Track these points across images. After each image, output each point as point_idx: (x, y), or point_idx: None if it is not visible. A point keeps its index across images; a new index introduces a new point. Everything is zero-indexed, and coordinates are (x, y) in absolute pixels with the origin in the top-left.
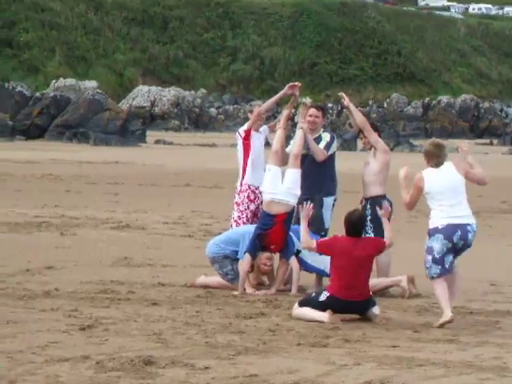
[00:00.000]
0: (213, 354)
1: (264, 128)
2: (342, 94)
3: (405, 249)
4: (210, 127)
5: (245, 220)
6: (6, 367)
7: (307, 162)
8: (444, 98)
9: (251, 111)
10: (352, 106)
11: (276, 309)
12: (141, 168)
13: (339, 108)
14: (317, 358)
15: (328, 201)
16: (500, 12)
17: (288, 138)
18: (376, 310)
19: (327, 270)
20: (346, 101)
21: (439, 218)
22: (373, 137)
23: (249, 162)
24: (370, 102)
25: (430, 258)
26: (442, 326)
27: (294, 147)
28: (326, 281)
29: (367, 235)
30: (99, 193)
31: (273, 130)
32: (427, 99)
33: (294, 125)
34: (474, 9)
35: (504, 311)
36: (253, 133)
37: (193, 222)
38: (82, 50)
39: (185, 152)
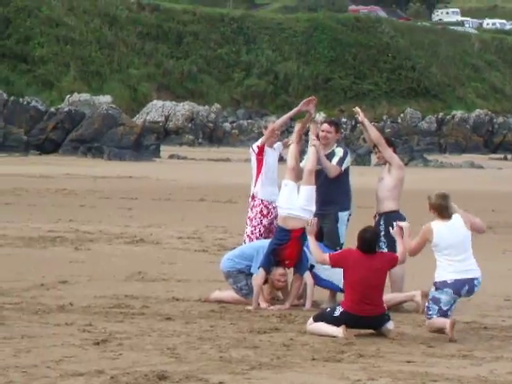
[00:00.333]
0: (227, 368)
1: (278, 144)
2: (356, 108)
3: (419, 264)
4: (224, 142)
5: (258, 235)
6: (20, 382)
7: (322, 177)
8: (458, 113)
9: (266, 127)
10: (367, 121)
11: (290, 324)
12: (155, 183)
13: (353, 123)
14: (331, 373)
15: (343, 216)
16: None
17: (302, 153)
18: (390, 325)
19: (341, 285)
20: (361, 116)
21: (447, 272)
22: (387, 152)
23: (261, 177)
24: (384, 117)
25: (435, 307)
26: (453, 336)
27: (307, 164)
28: (340, 296)
29: (381, 250)
30: (113, 207)
31: (286, 145)
32: (441, 114)
33: (308, 140)
34: (488, 24)
35: None
36: (266, 148)
37: (207, 237)
38: (96, 65)
39: (199, 167)
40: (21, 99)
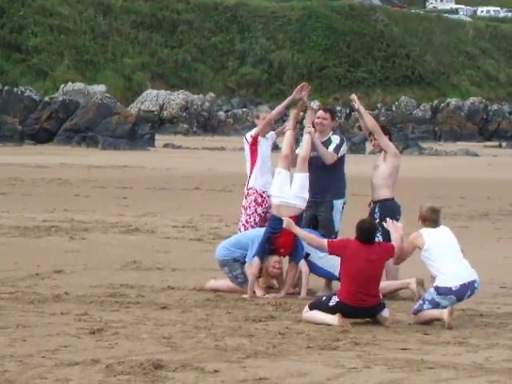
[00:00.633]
0: (222, 357)
1: (271, 133)
2: (353, 96)
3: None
4: (219, 131)
5: (253, 223)
6: (16, 371)
7: (316, 164)
8: (453, 101)
9: (257, 117)
10: (362, 109)
11: (285, 312)
12: (150, 172)
13: (348, 111)
14: (326, 361)
15: (337, 203)
16: (508, 14)
17: (297, 141)
18: (385, 313)
19: (336, 273)
20: (357, 103)
21: (451, 277)
22: (383, 140)
23: (255, 166)
24: (379, 105)
25: (430, 307)
26: (450, 323)
27: (302, 151)
28: (335, 284)
29: (376, 238)
30: (108, 197)
31: (280, 134)
32: (436, 102)
33: (303, 128)
34: (482, 11)
35: None
36: (260, 138)
37: (202, 226)
38: (90, 55)
39: (194, 156)
40: (15, 89)
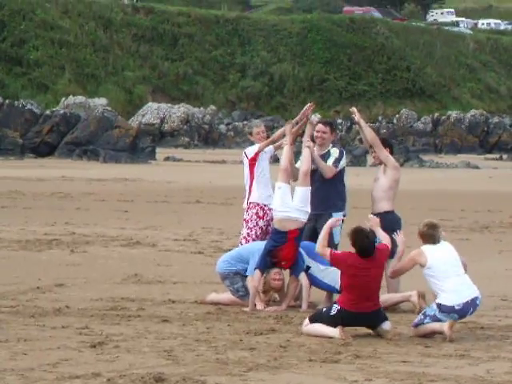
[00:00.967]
0: (224, 370)
1: (269, 147)
2: (353, 109)
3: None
4: (220, 144)
5: (254, 237)
6: None
7: (316, 177)
8: (453, 114)
9: (250, 133)
10: (362, 122)
11: (287, 325)
12: (151, 185)
13: (349, 124)
14: (328, 374)
15: (337, 216)
16: (509, 27)
17: (296, 154)
18: (387, 325)
19: (337, 286)
20: (357, 116)
21: (454, 295)
22: (383, 153)
23: (255, 180)
24: (380, 118)
25: (429, 321)
26: (451, 336)
27: (302, 165)
28: (336, 297)
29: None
30: (109, 210)
31: (278, 148)
32: (436, 115)
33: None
34: (482, 24)
35: None
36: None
37: (203, 239)
38: (91, 68)
39: (194, 169)
40: (16, 102)
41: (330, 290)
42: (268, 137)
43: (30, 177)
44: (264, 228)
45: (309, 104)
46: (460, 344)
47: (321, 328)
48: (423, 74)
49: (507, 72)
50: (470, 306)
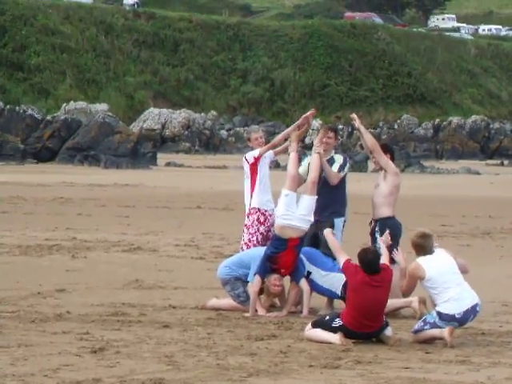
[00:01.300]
0: (224, 376)
1: (269, 152)
2: (353, 115)
3: None
4: (221, 149)
5: (255, 242)
6: None
7: (318, 183)
8: (454, 119)
9: (249, 139)
10: (362, 128)
11: (287, 331)
12: (152, 190)
13: (350, 129)
14: (328, 380)
15: (338, 222)
16: (510, 33)
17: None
18: (388, 331)
19: (338, 291)
20: (357, 122)
21: (454, 304)
22: (383, 159)
23: (256, 186)
24: (381, 124)
25: (428, 328)
26: (451, 342)
27: (311, 173)
28: (337, 303)
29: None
30: (110, 215)
31: (278, 153)
32: (438, 120)
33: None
34: (483, 30)
35: None
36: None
37: (204, 244)
38: (92, 73)
39: (195, 174)
40: (17, 107)
41: (330, 295)
42: (267, 142)
43: (31, 182)
44: (265, 234)
45: (310, 111)
46: (461, 350)
47: (322, 333)
48: (424, 80)
49: (508, 77)
50: (471, 314)
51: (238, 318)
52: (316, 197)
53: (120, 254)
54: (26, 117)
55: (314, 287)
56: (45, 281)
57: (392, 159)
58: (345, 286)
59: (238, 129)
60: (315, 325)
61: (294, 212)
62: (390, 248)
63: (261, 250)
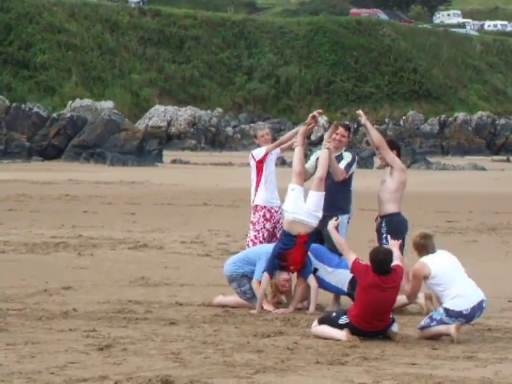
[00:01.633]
0: (231, 373)
1: (276, 149)
2: (359, 111)
3: None
4: (227, 146)
5: (261, 239)
6: None
7: (325, 179)
8: (460, 115)
9: (255, 136)
10: (369, 124)
11: (294, 327)
12: (157, 188)
13: (355, 126)
14: (335, 376)
15: (343, 219)
16: None
17: (305, 155)
18: (395, 328)
19: (344, 288)
20: (363, 119)
21: (461, 301)
22: (389, 155)
23: (262, 182)
24: (387, 120)
25: (435, 324)
26: (458, 338)
27: (319, 170)
28: (343, 299)
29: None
30: (116, 213)
31: (285, 150)
32: (443, 116)
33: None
34: (489, 26)
35: None
36: None
37: (210, 241)
38: (98, 71)
39: (201, 171)
40: (23, 105)
41: (337, 291)
42: (274, 139)
43: (37, 180)
44: (271, 230)
45: (316, 111)
46: (467, 346)
47: (329, 330)
48: (430, 76)
49: None
50: (477, 310)
51: (244, 314)
52: (323, 193)
53: (126, 252)
54: (32, 114)
55: (321, 284)
56: (51, 278)
57: (398, 155)
58: (351, 282)
59: (243, 126)
60: (322, 321)
61: (302, 206)
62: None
63: (267, 247)
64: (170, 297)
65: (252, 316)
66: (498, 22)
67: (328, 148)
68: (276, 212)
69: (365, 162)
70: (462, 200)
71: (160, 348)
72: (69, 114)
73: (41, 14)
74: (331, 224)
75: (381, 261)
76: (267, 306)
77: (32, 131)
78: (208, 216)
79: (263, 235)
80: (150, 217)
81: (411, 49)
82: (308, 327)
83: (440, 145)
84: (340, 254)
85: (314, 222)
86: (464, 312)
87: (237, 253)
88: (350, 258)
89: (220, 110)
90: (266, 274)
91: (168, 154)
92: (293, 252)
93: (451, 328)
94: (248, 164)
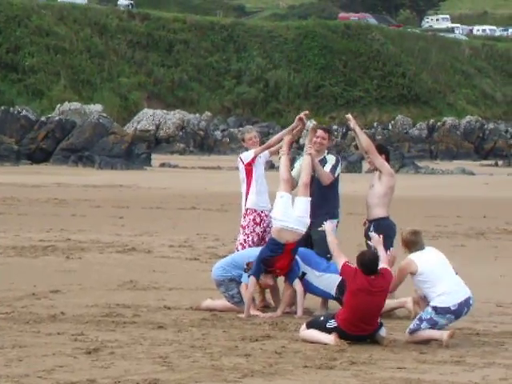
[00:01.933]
0: (219, 377)
1: (265, 152)
2: (348, 115)
3: None
4: (215, 150)
5: (251, 243)
6: None
7: (311, 184)
8: (449, 120)
9: (243, 140)
10: (358, 129)
11: (282, 331)
12: (146, 191)
13: (344, 130)
14: (323, 380)
15: (331, 222)
16: (504, 33)
17: (292, 162)
18: (383, 332)
19: (332, 292)
20: (352, 123)
21: (448, 297)
22: (378, 160)
23: (252, 186)
24: (375, 124)
25: (428, 326)
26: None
27: (303, 175)
28: (331, 303)
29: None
30: (104, 216)
31: (274, 153)
32: (432, 121)
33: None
34: (478, 30)
35: (510, 332)
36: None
37: (198, 245)
38: (86, 74)
39: (190, 175)
40: (11, 108)
41: (325, 296)
42: (262, 142)
43: (26, 183)
44: (261, 234)
45: (303, 112)
46: (455, 350)
47: (316, 334)
48: (418, 81)
49: (502, 78)
50: (464, 306)
51: (232, 318)
52: (310, 198)
53: (114, 255)
54: (21, 118)
55: (309, 288)
56: (39, 282)
57: (387, 160)
58: (339, 286)
59: (232, 129)
60: (310, 325)
61: (291, 214)
62: (385, 248)
63: (255, 251)
64: (158, 300)
65: (240, 320)
66: (487, 27)
67: (310, 153)
68: (266, 216)
69: (353, 166)
70: (450, 204)
71: (148, 352)
72: (57, 118)
73: (29, 17)
74: (328, 226)
75: (368, 262)
76: (254, 311)
77: (20, 134)
78: (196, 220)
79: (253, 239)
80: (139, 220)
81: (400, 53)
82: (296, 331)
83: (429, 149)
84: (328, 259)
85: (303, 229)
86: (452, 308)
87: (225, 257)
88: (340, 261)
89: (209, 113)
90: (252, 278)
91: (156, 158)
92: (280, 259)
93: (444, 335)
94: (237, 168)
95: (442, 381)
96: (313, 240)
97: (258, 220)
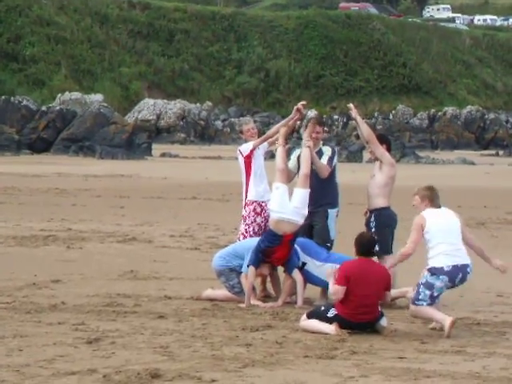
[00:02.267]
0: (220, 366)
1: (263, 143)
2: (350, 105)
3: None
4: (216, 140)
5: (252, 233)
6: (13, 381)
7: (310, 175)
8: (449, 110)
9: (241, 131)
10: (359, 118)
11: (283, 321)
12: (147, 181)
13: (345, 120)
14: (324, 370)
15: (332, 212)
16: (505, 23)
17: (288, 153)
18: (383, 321)
19: None
20: (354, 112)
21: (444, 258)
22: (379, 150)
23: (252, 177)
24: (376, 114)
25: (428, 293)
26: (450, 334)
27: (303, 167)
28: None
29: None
30: (105, 206)
31: (272, 144)
32: (433, 111)
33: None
34: (479, 20)
35: (511, 322)
36: None
37: (199, 235)
38: (87, 64)
39: (191, 165)
40: (12, 98)
41: (324, 286)
42: (262, 133)
43: (26, 173)
44: (262, 224)
45: (301, 102)
46: (456, 340)
47: (317, 324)
48: (419, 70)
49: (503, 68)
50: (460, 271)
51: (233, 308)
52: (309, 190)
53: (115, 245)
54: (21, 107)
55: (309, 278)
56: (40, 271)
57: (388, 150)
58: None
59: (232, 119)
60: (310, 315)
61: (288, 205)
62: (385, 238)
63: (255, 241)
64: (159, 290)
65: (241, 310)
66: (488, 17)
67: (308, 146)
68: (267, 205)
69: (354, 155)
70: (451, 194)
71: (149, 341)
72: (58, 107)
73: (30, 6)
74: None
75: (366, 242)
76: (255, 301)
77: (21, 124)
78: (197, 209)
79: (254, 229)
80: (139, 210)
81: (401, 43)
82: (297, 321)
83: (429, 139)
84: (328, 248)
85: (300, 220)
86: (445, 268)
87: (226, 246)
88: (335, 288)
89: (209, 103)
90: (251, 268)
91: (157, 148)
92: (278, 250)
93: (447, 320)
94: (236, 158)
95: (442, 370)
96: (314, 230)
97: (258, 210)
